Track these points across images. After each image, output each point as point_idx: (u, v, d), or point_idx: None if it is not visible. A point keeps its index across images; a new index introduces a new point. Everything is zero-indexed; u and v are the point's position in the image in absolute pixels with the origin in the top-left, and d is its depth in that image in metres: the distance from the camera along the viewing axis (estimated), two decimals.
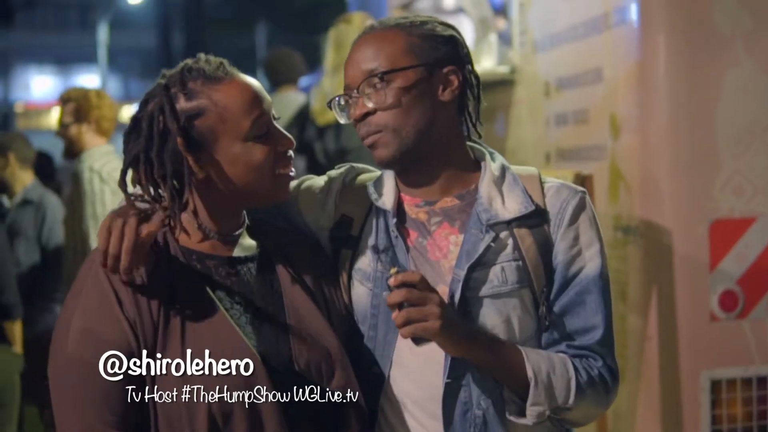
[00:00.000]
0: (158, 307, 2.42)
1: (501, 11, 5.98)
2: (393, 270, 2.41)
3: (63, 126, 6.06)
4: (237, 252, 2.58)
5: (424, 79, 2.58)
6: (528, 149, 5.02)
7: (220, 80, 2.49)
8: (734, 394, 4.13)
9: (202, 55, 2.55)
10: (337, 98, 2.67)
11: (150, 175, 2.47)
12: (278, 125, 2.57)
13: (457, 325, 2.44)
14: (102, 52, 34.06)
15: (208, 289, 2.48)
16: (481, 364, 2.52)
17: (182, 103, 2.47)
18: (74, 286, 2.48)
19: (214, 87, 2.48)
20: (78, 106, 6.02)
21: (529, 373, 2.51)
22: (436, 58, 2.59)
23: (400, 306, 2.38)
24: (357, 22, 6.85)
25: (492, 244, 2.58)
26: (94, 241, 5.73)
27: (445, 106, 2.62)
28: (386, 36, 2.60)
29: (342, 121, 2.67)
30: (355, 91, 2.59)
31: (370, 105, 2.57)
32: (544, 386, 2.51)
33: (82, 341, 2.39)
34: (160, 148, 2.46)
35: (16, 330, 5.88)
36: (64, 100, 6.09)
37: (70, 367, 2.40)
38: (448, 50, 2.62)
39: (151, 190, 2.48)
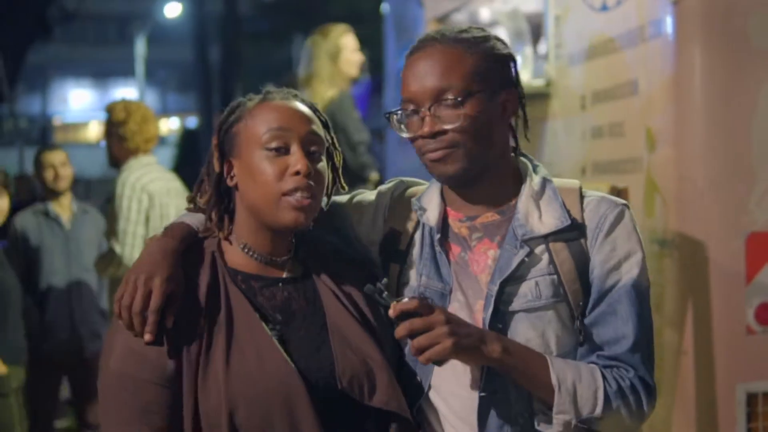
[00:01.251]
0: (202, 326, 2.47)
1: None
2: (393, 303, 2.43)
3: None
4: (282, 273, 2.63)
5: (490, 101, 2.60)
6: (564, 162, 5.02)
7: (271, 100, 2.60)
8: None
9: (289, 89, 2.67)
10: (397, 112, 2.68)
11: (204, 171, 2.66)
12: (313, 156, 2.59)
13: (469, 335, 2.45)
14: (140, 66, 34.27)
15: (252, 308, 2.53)
16: (505, 370, 2.53)
17: (236, 113, 2.61)
18: None
19: (262, 104, 2.59)
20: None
21: (553, 381, 2.52)
22: (499, 80, 2.62)
23: (412, 336, 2.41)
24: (333, 33, 6.87)
25: (526, 259, 2.59)
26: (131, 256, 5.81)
27: (503, 127, 2.66)
28: (454, 53, 2.60)
29: (403, 135, 2.68)
30: (424, 108, 2.59)
31: (444, 126, 2.58)
32: (568, 394, 2.52)
33: (126, 358, 2.45)
34: (212, 149, 2.62)
35: None
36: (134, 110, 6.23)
37: (113, 383, 2.47)
38: (507, 71, 2.66)
39: (206, 187, 2.65)
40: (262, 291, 2.58)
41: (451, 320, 2.43)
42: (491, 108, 2.60)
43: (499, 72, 2.63)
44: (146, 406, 2.43)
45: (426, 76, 2.59)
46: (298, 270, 2.67)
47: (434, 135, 2.59)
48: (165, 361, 2.44)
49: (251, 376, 2.43)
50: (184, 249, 2.58)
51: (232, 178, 2.60)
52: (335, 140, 2.70)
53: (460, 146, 2.58)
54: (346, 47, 6.88)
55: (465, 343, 2.43)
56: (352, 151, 6.66)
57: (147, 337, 2.43)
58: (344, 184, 2.74)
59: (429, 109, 2.59)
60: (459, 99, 2.56)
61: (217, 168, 2.60)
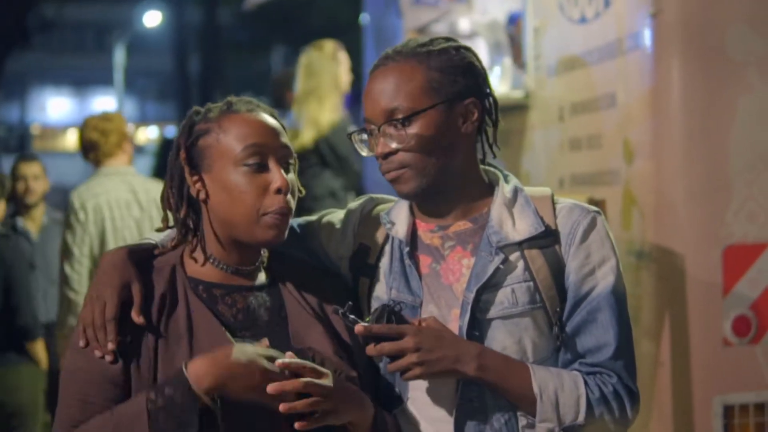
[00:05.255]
0: (151, 336, 2.49)
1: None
2: (360, 324, 2.48)
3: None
4: (247, 282, 2.64)
5: (445, 115, 2.60)
6: (542, 174, 5.03)
7: (236, 112, 2.58)
8: (747, 419, 4.12)
9: (248, 97, 2.66)
10: (356, 132, 2.71)
11: (167, 186, 2.63)
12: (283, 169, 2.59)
13: (442, 358, 2.48)
14: (119, 75, 34.18)
15: (212, 315, 2.54)
16: (484, 384, 2.54)
17: (199, 124, 2.59)
18: None
19: (229, 116, 2.58)
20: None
21: (535, 390, 2.53)
22: (455, 91, 2.61)
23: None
24: (328, 49, 6.90)
25: (501, 266, 2.60)
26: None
27: (465, 137, 2.65)
28: (405, 70, 2.60)
29: (363, 153, 2.71)
30: (377, 129, 2.61)
31: (393, 146, 2.60)
32: (551, 402, 2.53)
33: (75, 355, 2.51)
34: (174, 161, 2.60)
35: (39, 349, 5.93)
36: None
37: (63, 381, 2.51)
38: (467, 81, 2.64)
39: (169, 202, 2.63)
40: (224, 298, 2.59)
41: (422, 346, 2.46)
42: (446, 122, 2.60)
43: (455, 83, 2.61)
44: (86, 397, 2.46)
45: (378, 96, 2.61)
46: (264, 279, 2.67)
47: (385, 156, 2.61)
48: (109, 365, 2.46)
49: None
50: (140, 259, 2.59)
51: (201, 192, 2.59)
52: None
53: (411, 166, 2.60)
54: (342, 63, 6.90)
55: (435, 369, 2.48)
56: (345, 177, 6.70)
57: (109, 345, 2.45)
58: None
59: (379, 129, 2.61)
60: (405, 119, 2.57)
61: (190, 184, 2.59)
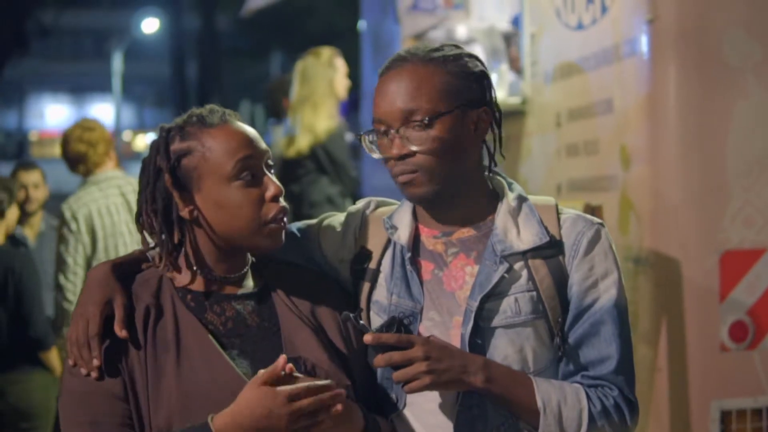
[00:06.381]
0: (141, 347, 2.48)
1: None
2: (371, 332, 2.47)
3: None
4: (236, 290, 2.63)
5: (461, 120, 2.59)
6: (539, 180, 5.03)
7: (213, 125, 2.56)
8: (744, 424, 4.13)
9: (210, 105, 2.63)
10: (367, 133, 2.68)
11: (146, 210, 2.58)
12: (272, 174, 2.60)
13: (449, 369, 2.47)
14: (116, 82, 34.16)
15: (200, 324, 2.53)
16: (487, 396, 2.54)
17: (176, 144, 2.56)
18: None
19: (207, 131, 2.55)
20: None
21: (539, 403, 2.52)
22: (469, 98, 2.61)
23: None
24: (325, 55, 6.90)
25: (506, 275, 2.59)
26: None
27: (475, 144, 2.64)
28: (423, 72, 2.59)
29: (374, 156, 2.67)
30: (393, 130, 2.59)
31: (412, 148, 2.57)
32: (554, 416, 2.52)
33: (74, 373, 2.49)
34: (153, 184, 2.56)
35: (53, 358, 5.92)
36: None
37: (64, 400, 2.51)
38: (480, 89, 2.64)
39: (150, 225, 2.59)
40: (213, 307, 2.58)
41: (431, 356, 2.45)
42: (461, 127, 2.59)
43: (471, 90, 2.61)
44: (95, 417, 2.45)
45: (395, 96, 2.58)
46: (255, 285, 2.66)
47: (402, 157, 2.58)
48: (109, 380, 2.46)
49: (202, 392, 2.44)
50: (126, 272, 2.59)
51: (193, 212, 2.56)
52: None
53: (427, 169, 2.57)
54: (338, 70, 6.90)
55: (443, 379, 2.46)
56: (341, 184, 6.70)
57: (94, 362, 2.45)
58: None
59: (397, 131, 2.58)
60: (426, 121, 2.55)
61: (182, 209, 2.56)
